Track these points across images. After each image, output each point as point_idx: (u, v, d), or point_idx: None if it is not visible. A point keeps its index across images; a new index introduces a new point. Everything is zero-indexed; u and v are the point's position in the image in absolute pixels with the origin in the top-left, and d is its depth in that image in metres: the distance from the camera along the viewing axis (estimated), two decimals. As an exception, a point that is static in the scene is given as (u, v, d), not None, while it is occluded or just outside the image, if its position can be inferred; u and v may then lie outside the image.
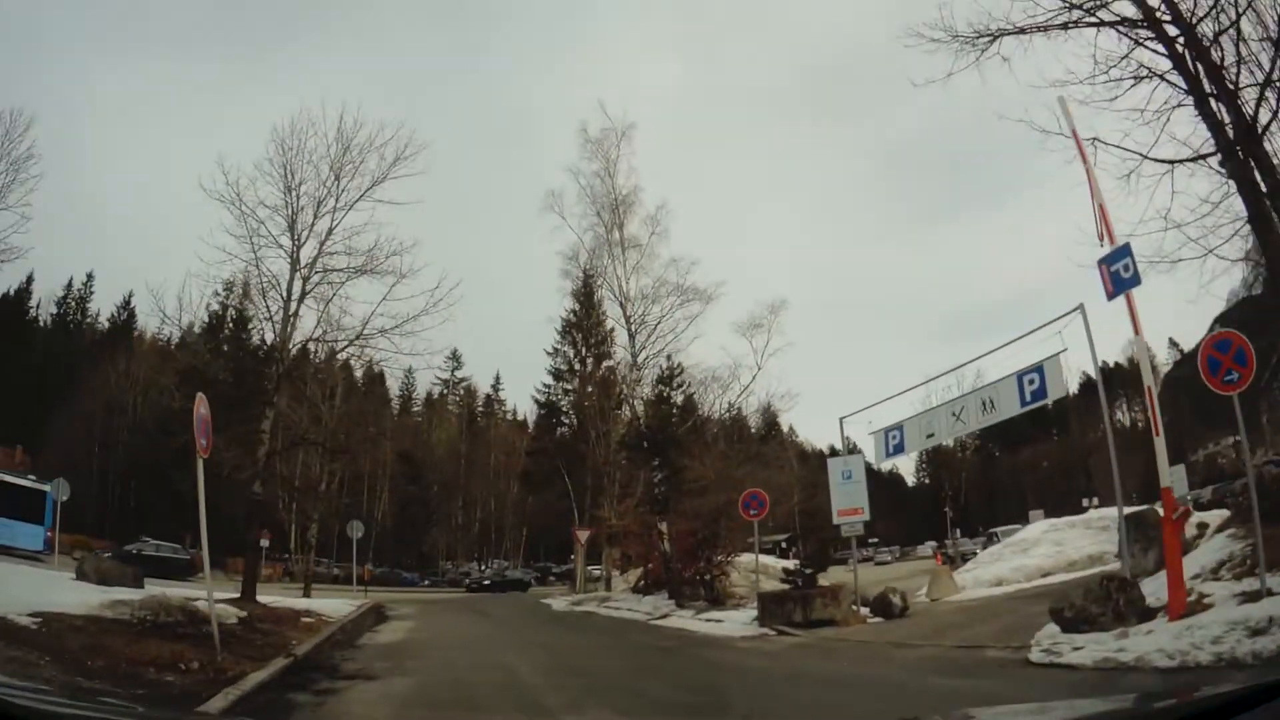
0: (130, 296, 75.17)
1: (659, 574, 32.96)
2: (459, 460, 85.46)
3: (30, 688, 5.66)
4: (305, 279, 24.49)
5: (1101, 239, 14.84)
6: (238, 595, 21.81)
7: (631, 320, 35.15)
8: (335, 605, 26.37)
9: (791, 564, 29.64)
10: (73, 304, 77.90)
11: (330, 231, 24.95)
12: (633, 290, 35.32)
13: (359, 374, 74.85)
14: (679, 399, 34.89)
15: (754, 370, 34.13)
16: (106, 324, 76.07)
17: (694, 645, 19.42)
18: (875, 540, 75.47)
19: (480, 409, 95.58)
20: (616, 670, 15.58)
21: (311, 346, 26.44)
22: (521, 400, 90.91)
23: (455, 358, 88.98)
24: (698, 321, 34.23)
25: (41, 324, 76.77)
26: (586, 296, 46.68)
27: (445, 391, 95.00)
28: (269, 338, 25.57)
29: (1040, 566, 25.03)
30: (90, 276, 77.49)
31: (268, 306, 24.92)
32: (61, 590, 15.92)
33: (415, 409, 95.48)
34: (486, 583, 60.64)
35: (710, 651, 17.99)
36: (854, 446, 25.12)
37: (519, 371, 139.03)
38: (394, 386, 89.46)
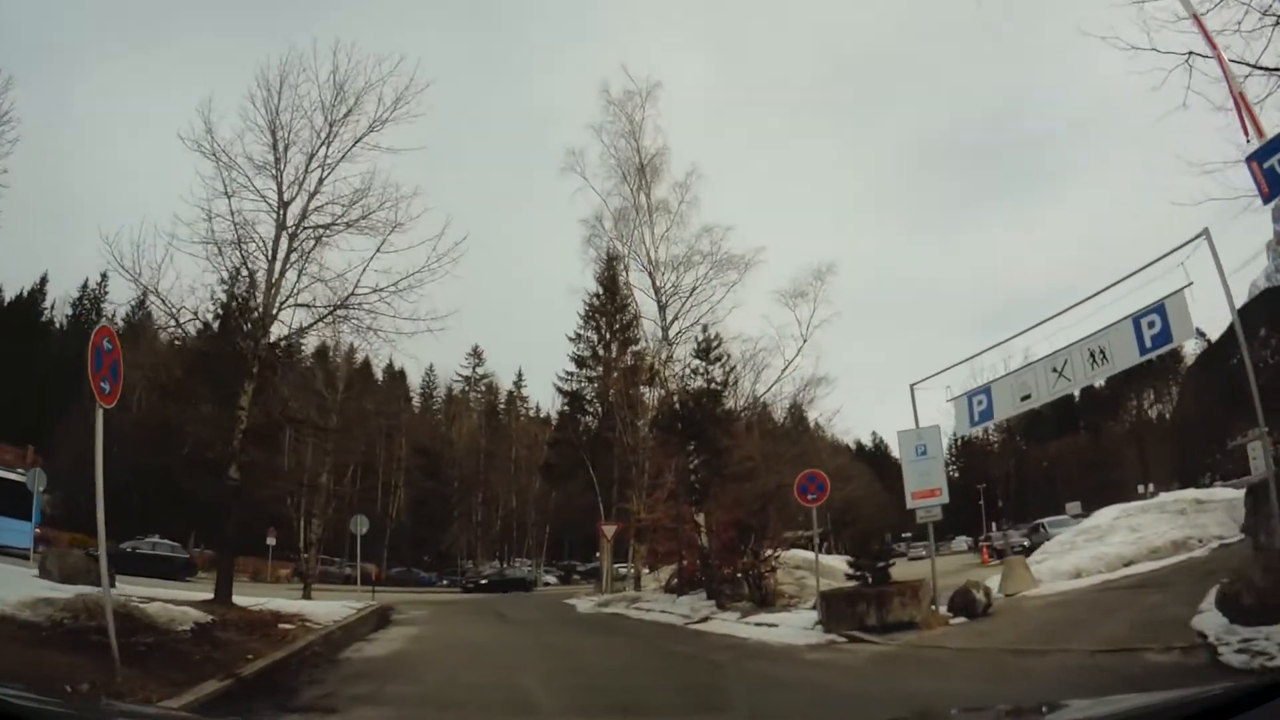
0: (144, 295, 71.12)
1: (694, 571, 29.50)
2: (479, 456, 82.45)
3: (30, 688, 5.13)
4: (292, 236, 21.82)
5: (1247, 134, 12.83)
6: (211, 597, 19.19)
7: (661, 291, 31.83)
8: (330, 608, 23.66)
9: (837, 559, 26.31)
10: (87, 304, 75.88)
11: (321, 182, 22.25)
12: (663, 257, 32.11)
13: (380, 372, 74.81)
14: (718, 374, 30.69)
15: (799, 343, 30.54)
16: (122, 324, 72.96)
17: (752, 657, 16.05)
18: (908, 535, 72.17)
19: (502, 406, 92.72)
20: (668, 697, 11.98)
21: (300, 313, 22.87)
22: (545, 398, 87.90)
23: (476, 354, 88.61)
24: (736, 291, 30.74)
25: (57, 325, 75.72)
26: (610, 279, 43.67)
27: (467, 389, 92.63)
28: (253, 302, 22.56)
29: (1121, 555, 21.69)
30: (105, 277, 73.73)
31: (249, 270, 22.12)
32: (9, 587, 13.65)
33: (436, 406, 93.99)
34: (483, 581, 56.67)
35: (778, 667, 14.55)
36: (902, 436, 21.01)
37: (543, 370, 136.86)
38: (416, 385, 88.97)
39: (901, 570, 21.00)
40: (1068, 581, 20.60)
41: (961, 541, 75.01)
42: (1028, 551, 40.87)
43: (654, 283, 31.97)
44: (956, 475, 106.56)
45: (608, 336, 48.79)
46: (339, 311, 22.14)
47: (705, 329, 30.72)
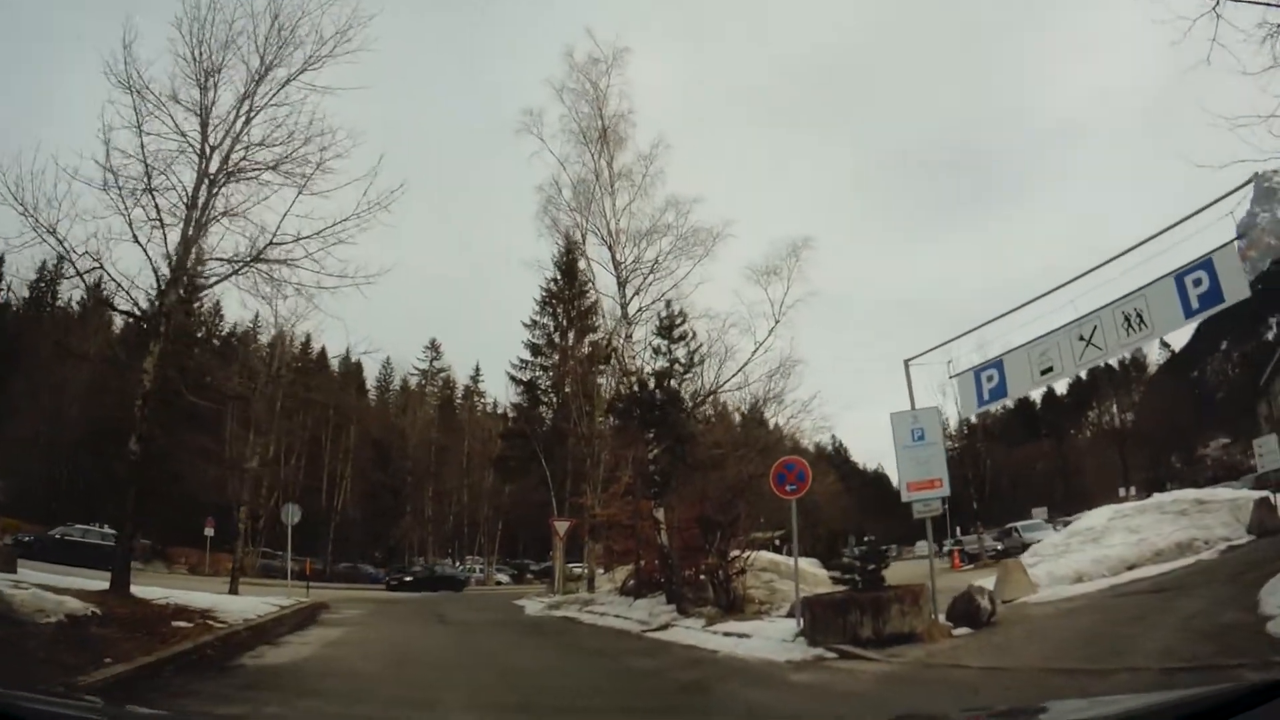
0: (100, 278, 68.87)
1: (653, 572, 26.72)
2: (431, 449, 79.38)
3: (31, 688, 5.10)
4: (213, 182, 19.37)
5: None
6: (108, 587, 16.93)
7: (622, 265, 28.67)
8: (249, 605, 21.60)
9: (810, 561, 23.53)
10: (44, 286, 72.25)
11: (249, 123, 19.82)
12: (624, 229, 29.02)
13: (335, 364, 72.49)
14: (681, 353, 27.50)
15: (770, 324, 27.03)
16: (77, 306, 70.33)
17: (726, 677, 13.24)
18: (871, 538, 69.15)
19: (460, 401, 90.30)
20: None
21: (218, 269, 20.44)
22: (504, 394, 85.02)
23: (434, 348, 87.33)
24: (704, 265, 28.10)
25: (13, 308, 71.43)
26: (569, 264, 41.27)
27: (423, 382, 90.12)
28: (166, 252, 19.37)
29: (1123, 558, 20.45)
30: (61, 259, 70.51)
31: (160, 219, 18.94)
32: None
33: (391, 399, 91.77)
34: (409, 579, 52.91)
35: (761, 692, 11.83)
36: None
37: (504, 366, 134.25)
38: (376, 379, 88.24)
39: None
40: (1069, 586, 18.99)
41: (924, 546, 72.10)
42: (1001, 556, 39.30)
43: (613, 256, 28.89)
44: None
45: (565, 323, 47.24)
46: (258, 264, 19.59)
47: (668, 304, 27.76)
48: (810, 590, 19.51)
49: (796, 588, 18.01)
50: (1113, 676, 9.72)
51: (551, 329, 47.83)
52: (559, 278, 44.44)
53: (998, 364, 16.12)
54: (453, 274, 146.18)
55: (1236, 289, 12.68)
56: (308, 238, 19.12)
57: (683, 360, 26.70)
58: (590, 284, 35.22)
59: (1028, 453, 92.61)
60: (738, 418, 30.17)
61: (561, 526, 37.56)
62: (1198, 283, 12.86)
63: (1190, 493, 25.58)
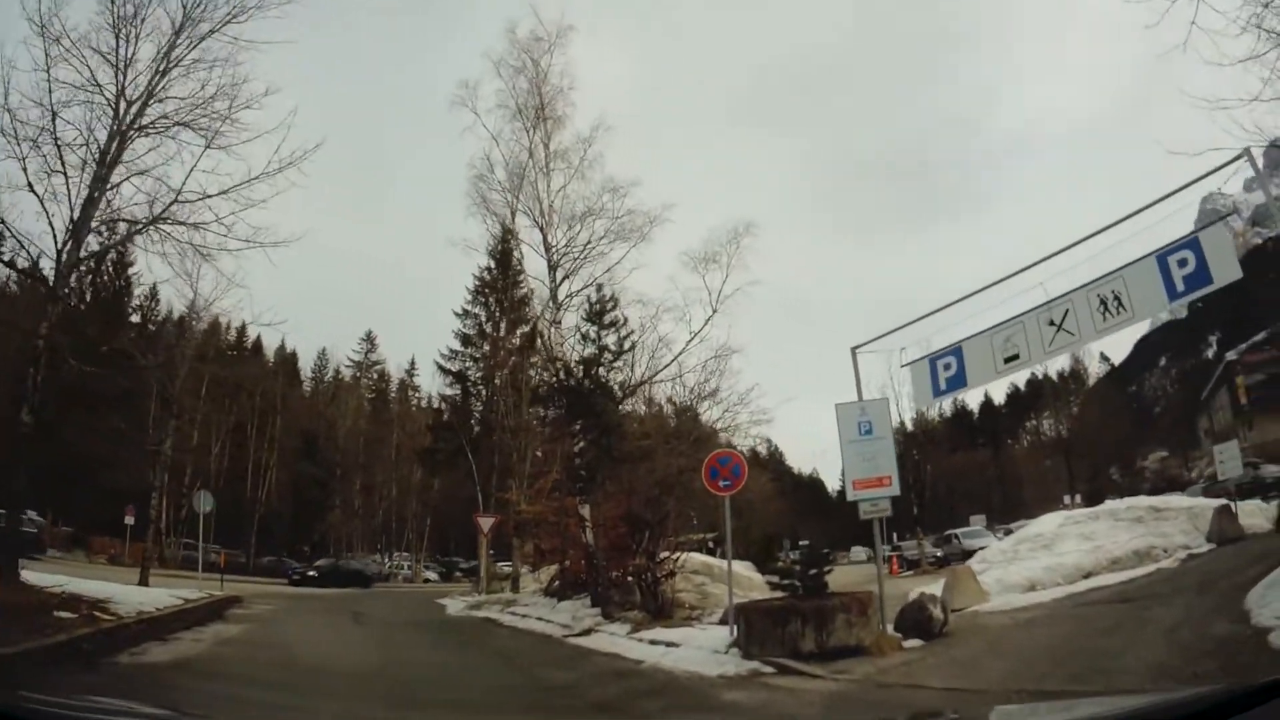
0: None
1: (578, 573, 25.01)
2: (359, 439, 77.67)
3: (31, 688, 5.05)
4: (123, 135, 17.79)
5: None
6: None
7: (554, 249, 27.41)
8: (152, 597, 20.08)
9: (743, 565, 21.95)
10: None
11: (166, 74, 18.29)
12: (558, 210, 27.77)
13: (271, 355, 74.41)
14: (611, 340, 25.87)
15: (708, 313, 26.04)
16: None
17: (651, 694, 11.58)
18: (805, 542, 68.77)
19: (394, 395, 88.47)
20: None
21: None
22: (436, 384, 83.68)
23: (370, 340, 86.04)
24: (640, 250, 26.90)
25: None
26: (504, 254, 39.36)
27: (358, 374, 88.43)
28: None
29: (1079, 566, 19.66)
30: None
31: (65, 172, 17.22)
32: None
33: (326, 389, 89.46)
34: (311, 574, 50.21)
35: (682, 717, 10.43)
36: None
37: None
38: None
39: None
40: (1022, 595, 18.12)
41: (861, 551, 72.39)
42: (941, 562, 38.39)
43: (545, 239, 27.67)
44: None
45: (497, 314, 45.53)
46: (161, 224, 18.08)
47: (599, 288, 26.27)
48: (744, 595, 18.33)
49: (730, 593, 16.28)
50: (1113, 698, 8.19)
51: (483, 319, 46.33)
52: (493, 266, 43.02)
53: (956, 351, 14.58)
54: (394, 265, 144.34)
55: (1226, 270, 11.50)
56: (214, 196, 17.71)
57: (612, 347, 25.09)
58: (523, 273, 33.99)
59: (965, 460, 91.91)
60: (670, 409, 28.60)
61: (486, 523, 35.99)
62: (1183, 263, 11.68)
63: (1145, 500, 25.05)
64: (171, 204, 17.71)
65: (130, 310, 56.58)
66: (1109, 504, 25.40)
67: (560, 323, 26.53)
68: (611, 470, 23.11)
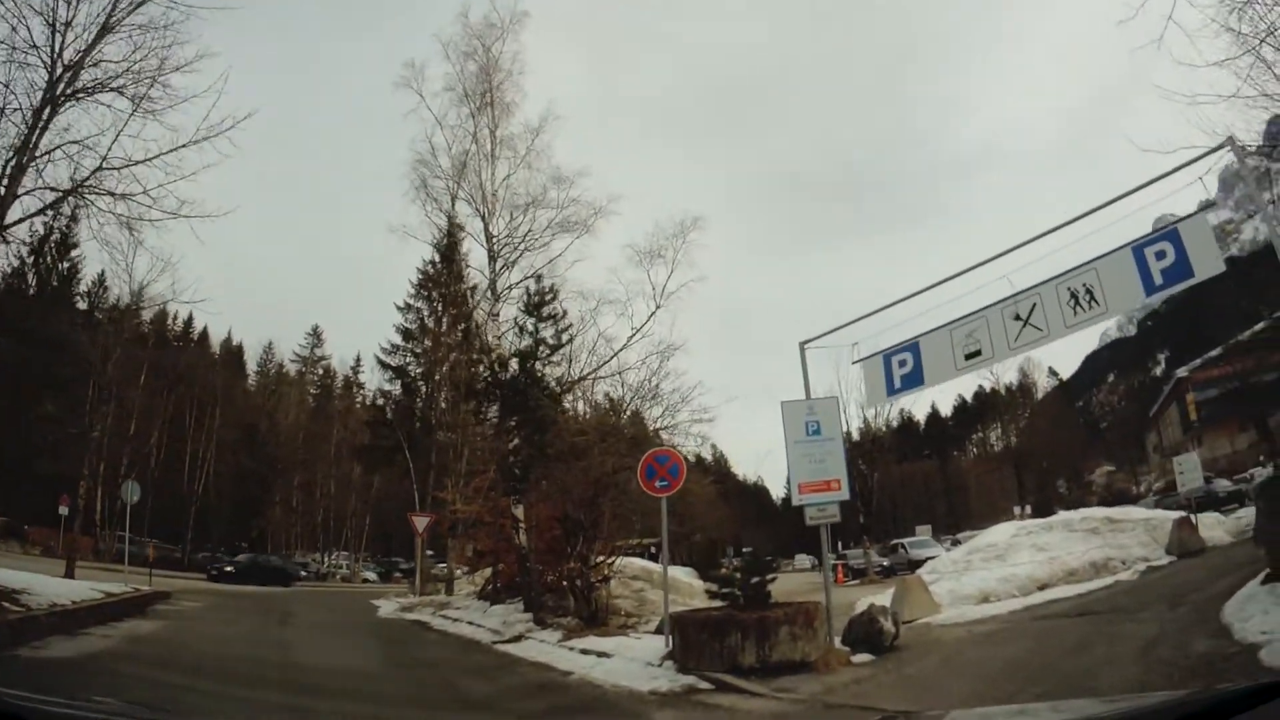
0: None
1: (512, 577, 23.95)
2: (300, 434, 76.07)
3: (31, 688, 4.76)
4: (56, 101, 16.82)
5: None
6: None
7: (495, 239, 26.39)
8: (73, 589, 19.27)
9: (683, 570, 20.82)
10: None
11: (103, 36, 17.11)
12: (501, 198, 26.75)
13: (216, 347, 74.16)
14: (549, 333, 24.52)
15: (650, 308, 25.24)
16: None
17: (575, 711, 10.84)
18: (748, 549, 68.66)
19: (339, 390, 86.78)
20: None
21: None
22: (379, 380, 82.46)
23: (316, 335, 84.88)
24: (585, 243, 26.30)
25: None
26: (450, 248, 38.19)
27: (304, 369, 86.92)
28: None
29: (1033, 577, 19.06)
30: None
31: None
32: None
33: (271, 385, 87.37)
34: (229, 569, 47.34)
35: None
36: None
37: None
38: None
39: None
40: (976, 606, 17.37)
41: (805, 559, 73.22)
42: (887, 572, 37.95)
43: (487, 228, 26.64)
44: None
45: (439, 309, 44.46)
46: (85, 193, 17.07)
47: (539, 279, 25.14)
48: (685, 603, 17.65)
49: (666, 600, 15.12)
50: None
51: (426, 313, 45.20)
52: (437, 260, 42.03)
53: (913, 347, 13.66)
54: (346, 259, 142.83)
55: (1208, 263, 10.81)
56: (141, 163, 16.74)
57: (550, 341, 23.83)
58: (468, 268, 33.11)
59: (911, 470, 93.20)
60: (607, 405, 27.61)
61: (421, 522, 34.70)
62: (1161, 255, 11.03)
63: (1100, 511, 24.78)
64: (97, 170, 16.72)
65: (74, 296, 55.65)
66: (1063, 514, 24.80)
67: (498, 315, 25.62)
68: (545, 469, 21.99)
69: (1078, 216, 11.88)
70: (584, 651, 14.76)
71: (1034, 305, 12.07)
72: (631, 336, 25.17)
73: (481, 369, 25.93)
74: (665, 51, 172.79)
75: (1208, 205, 10.98)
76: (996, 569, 20.31)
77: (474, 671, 14.50)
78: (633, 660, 13.14)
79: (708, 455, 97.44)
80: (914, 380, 13.61)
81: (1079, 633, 12.40)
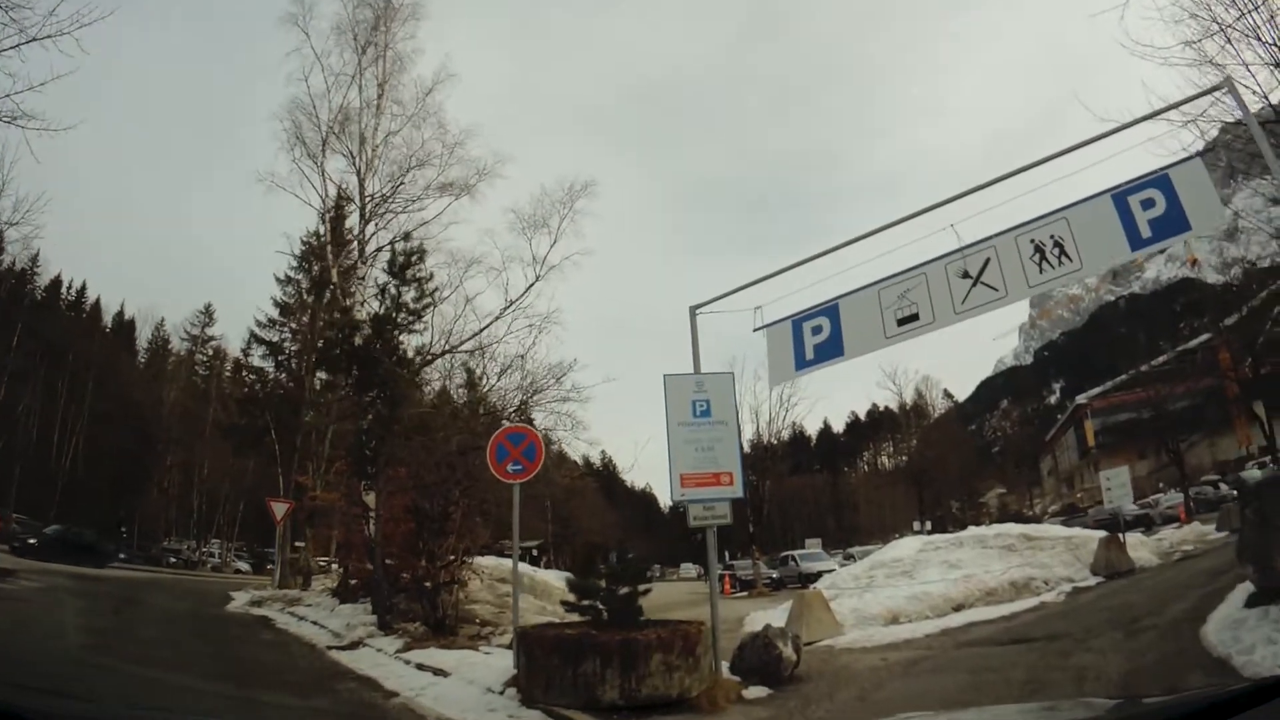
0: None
1: (362, 573, 20.94)
2: (178, 414, 71.55)
3: (31, 689, 5.34)
4: None
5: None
6: None
7: (370, 197, 25.31)
8: None
9: (555, 575, 17.89)
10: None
11: None
12: (381, 153, 25.78)
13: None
14: (411, 297, 21.18)
15: (530, 280, 23.87)
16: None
17: None
18: (631, 555, 67.31)
19: (229, 372, 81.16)
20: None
21: None
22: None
23: (207, 313, 79.58)
24: (466, 207, 24.09)
25: None
26: (338, 220, 34.29)
27: (193, 348, 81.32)
28: None
29: (948, 596, 17.44)
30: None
31: None
32: None
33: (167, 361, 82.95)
34: (33, 542, 40.80)
35: None
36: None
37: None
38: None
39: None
40: (885, 628, 15.66)
41: (691, 568, 72.29)
42: (777, 585, 36.76)
43: (361, 185, 25.46)
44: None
45: (319, 282, 40.00)
46: None
47: (407, 237, 22.59)
48: (553, 613, 15.48)
49: (515, 609, 12.22)
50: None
51: (305, 287, 41.15)
52: (321, 232, 38.26)
53: (831, 310, 11.07)
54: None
55: (1207, 215, 9.04)
56: None
57: (412, 305, 20.78)
58: (354, 243, 30.63)
59: (801, 483, 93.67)
60: (464, 379, 25.22)
61: (280, 509, 31.40)
62: (1149, 204, 9.08)
63: (1016, 527, 22.94)
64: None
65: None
66: (975, 530, 23.23)
67: (365, 278, 23.55)
68: (394, 450, 18.76)
69: (1044, 158, 9.68)
70: (420, 667, 12.36)
71: (987, 261, 9.73)
72: (506, 308, 23.49)
73: (332, 334, 23.16)
74: (592, 49, 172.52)
75: (1205, 151, 9.06)
76: (905, 586, 18.65)
77: (291, 685, 12.08)
78: (472, 684, 10.62)
79: (595, 459, 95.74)
80: (830, 350, 10.99)
81: (1023, 664, 10.34)
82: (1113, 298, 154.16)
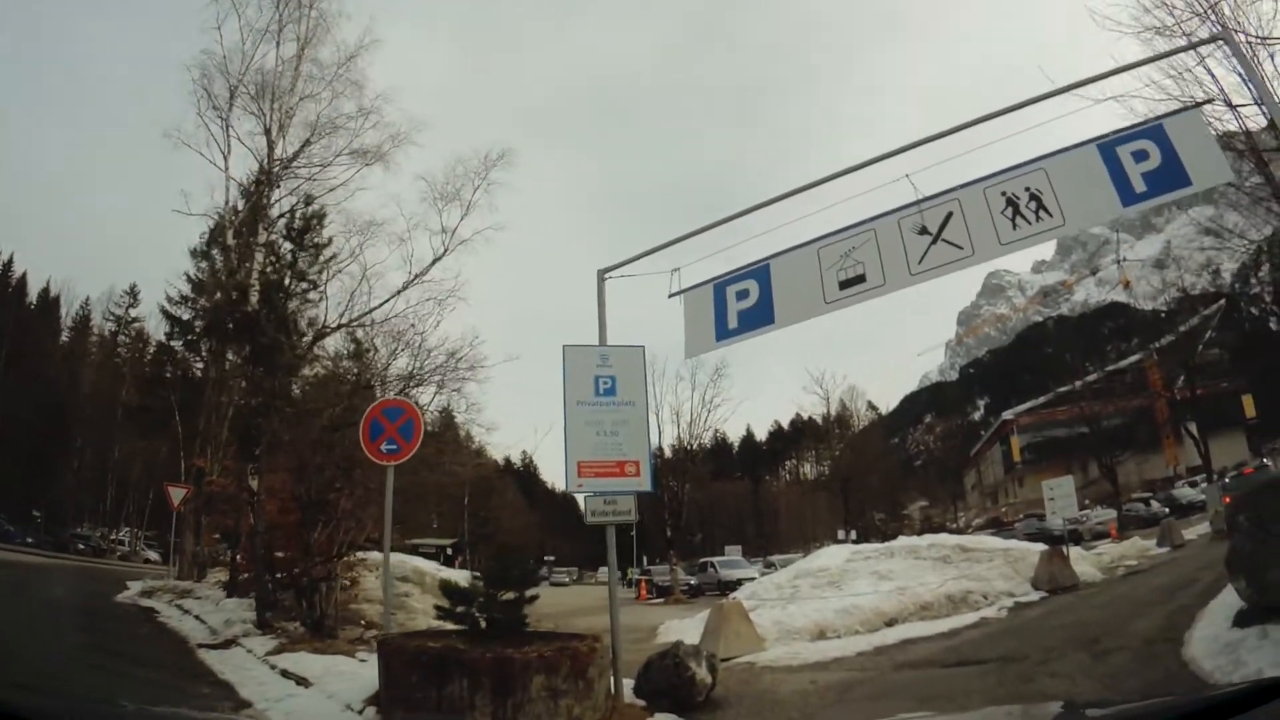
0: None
1: (247, 565, 18.56)
2: (93, 396, 68.31)
3: (31, 688, 5.32)
4: None
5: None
6: None
7: (278, 161, 24.12)
8: None
9: (461, 575, 16.02)
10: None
11: None
12: (294, 116, 24.55)
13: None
14: (307, 264, 18.99)
15: (437, 252, 23.24)
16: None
17: None
18: (551, 558, 73.03)
19: (149, 358, 78.28)
20: None
21: None
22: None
23: (132, 293, 74.97)
24: (380, 176, 26.38)
25: None
26: (259, 195, 33.09)
27: (117, 330, 77.00)
28: None
29: (879, 610, 16.23)
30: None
31: None
32: None
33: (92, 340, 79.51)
34: None
35: None
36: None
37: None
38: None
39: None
40: (812, 644, 14.32)
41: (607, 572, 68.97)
42: (695, 592, 37.18)
43: (270, 146, 24.23)
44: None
45: (235, 259, 38.23)
46: None
47: (308, 201, 21.11)
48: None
49: (387, 614, 10.74)
50: None
51: (220, 263, 38.87)
52: (239, 206, 36.54)
53: (760, 271, 9.58)
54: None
55: (1208, 170, 7.93)
56: None
57: (309, 275, 18.96)
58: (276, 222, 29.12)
59: (722, 489, 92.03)
60: (350, 347, 23.60)
61: (177, 494, 29.32)
62: (1141, 156, 8.03)
63: (950, 538, 22.41)
64: None
65: None
66: (907, 540, 22.86)
67: (268, 244, 22.02)
68: (280, 431, 16.89)
69: (1018, 104, 8.26)
70: (285, 673, 10.71)
71: (949, 215, 8.37)
72: (410, 281, 22.62)
73: (218, 297, 21.44)
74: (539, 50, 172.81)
75: (1203, 102, 7.97)
76: (833, 598, 17.35)
77: (137, 682, 10.43)
78: (331, 698, 8.97)
79: (516, 459, 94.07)
80: (759, 317, 9.48)
81: (979, 689, 9.01)
82: (1041, 318, 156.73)
